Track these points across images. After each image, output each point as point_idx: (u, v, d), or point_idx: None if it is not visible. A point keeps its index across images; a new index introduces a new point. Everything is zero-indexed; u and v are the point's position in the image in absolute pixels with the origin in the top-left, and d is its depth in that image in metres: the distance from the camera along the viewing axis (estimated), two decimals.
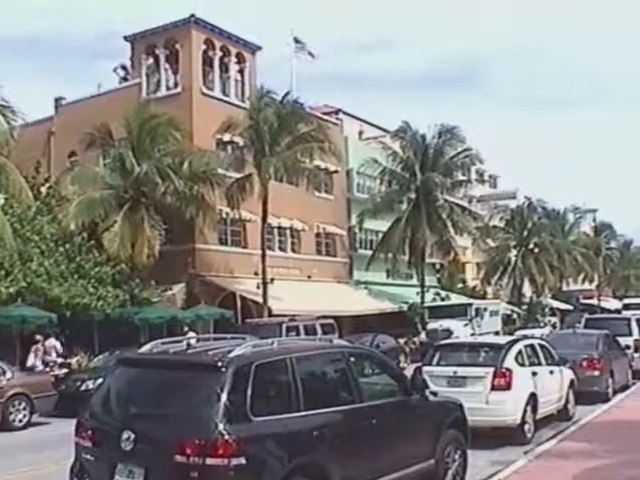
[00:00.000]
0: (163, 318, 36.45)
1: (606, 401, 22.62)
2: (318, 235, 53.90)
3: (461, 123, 58.17)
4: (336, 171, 53.64)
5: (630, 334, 30.63)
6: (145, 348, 10.88)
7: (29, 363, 29.06)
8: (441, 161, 55.09)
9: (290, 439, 9.02)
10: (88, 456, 9.44)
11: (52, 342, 30.50)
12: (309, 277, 50.89)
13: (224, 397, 8.48)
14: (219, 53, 46.47)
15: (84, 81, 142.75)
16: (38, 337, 30.01)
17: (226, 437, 8.25)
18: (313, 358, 10.37)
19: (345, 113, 61.80)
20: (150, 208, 38.13)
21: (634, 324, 31.86)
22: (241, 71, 48.37)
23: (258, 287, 41.35)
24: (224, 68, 47.40)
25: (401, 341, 43.30)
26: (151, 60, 46.97)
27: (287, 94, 42.63)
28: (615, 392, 24.30)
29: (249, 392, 8.67)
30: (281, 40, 72.48)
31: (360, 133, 64.12)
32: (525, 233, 74.53)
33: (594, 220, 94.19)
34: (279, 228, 49.34)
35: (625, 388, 25.86)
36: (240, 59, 48.07)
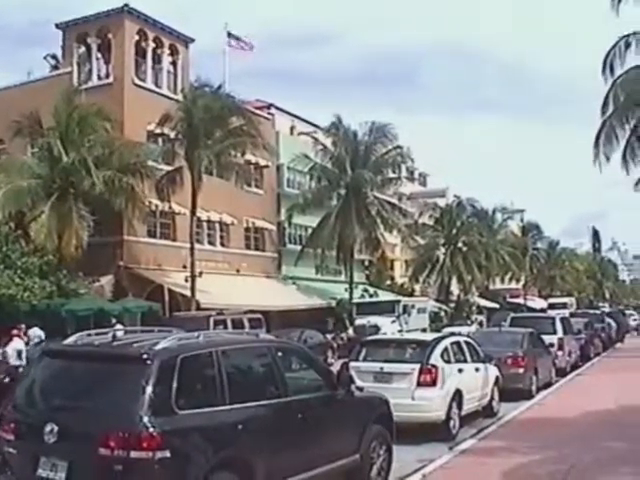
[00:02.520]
0: (90, 310, 36.03)
1: (530, 398, 22.87)
2: (247, 229, 53.81)
3: (393, 120, 58.36)
4: (267, 166, 53.64)
5: (554, 333, 31.03)
6: (70, 340, 10.73)
7: None
8: (372, 158, 55.38)
9: (215, 433, 8.98)
10: (10, 449, 9.25)
11: None
12: (238, 271, 50.79)
13: (149, 390, 8.41)
14: (152, 44, 46.13)
15: (14, 68, 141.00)
16: None
17: (150, 430, 8.18)
18: (239, 352, 10.36)
19: (277, 108, 61.69)
20: (78, 199, 37.66)
21: (558, 323, 32.31)
22: (174, 63, 48.06)
23: (186, 280, 41.16)
24: (157, 59, 47.05)
25: (329, 337, 43.40)
26: (83, 49, 46.41)
27: (219, 87, 42.52)
28: (539, 389, 24.60)
29: (174, 385, 8.61)
30: (214, 33, 72.02)
31: (292, 128, 64.07)
32: (454, 231, 75.05)
33: (522, 220, 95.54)
34: (208, 222, 49.16)
35: (548, 385, 26.18)
36: (173, 51, 47.77)
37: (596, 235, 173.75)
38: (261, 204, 54.55)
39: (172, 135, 42.19)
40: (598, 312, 57.22)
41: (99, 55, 46.25)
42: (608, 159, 45.48)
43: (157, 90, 45.91)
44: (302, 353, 12.24)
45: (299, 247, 56.68)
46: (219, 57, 53.96)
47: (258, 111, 53.19)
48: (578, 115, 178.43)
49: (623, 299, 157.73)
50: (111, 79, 44.68)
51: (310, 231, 56.56)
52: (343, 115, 55.90)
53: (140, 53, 45.65)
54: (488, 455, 14.11)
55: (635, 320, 74.99)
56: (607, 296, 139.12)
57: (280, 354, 10.84)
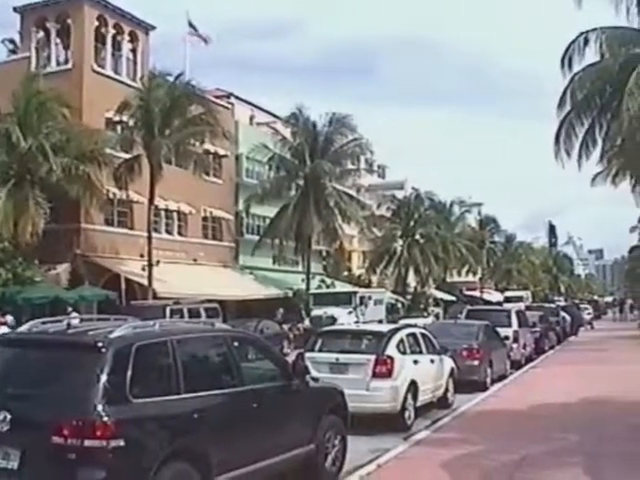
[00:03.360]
0: (46, 298, 35.84)
1: (484, 390, 23.04)
2: (205, 219, 53.67)
3: (353, 112, 58.35)
4: (226, 155, 53.59)
5: (510, 325, 31.25)
6: (24, 327, 10.66)
7: None
8: (331, 149, 55.47)
9: (170, 422, 8.95)
10: None
11: None
12: (195, 260, 50.66)
13: (103, 378, 8.35)
14: (112, 31, 45.81)
15: None
16: None
17: (105, 419, 8.12)
18: (195, 341, 10.32)
19: (237, 97, 61.53)
20: (35, 185, 37.40)
21: (514, 316, 32.54)
22: (134, 50, 47.77)
23: (143, 269, 41.05)
24: (117, 46, 46.70)
25: (285, 327, 43.43)
26: (41, 34, 45.96)
27: (179, 76, 42.33)
28: (493, 381, 24.77)
29: (129, 373, 8.56)
30: (176, 22, 71.70)
31: (251, 118, 63.97)
32: (411, 224, 75.29)
33: (479, 214, 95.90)
34: (166, 210, 48.99)
35: (503, 378, 26.40)
36: (133, 38, 47.47)
37: (552, 230, 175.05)
38: (219, 194, 54.41)
39: (131, 123, 41.96)
40: (553, 306, 57.66)
41: (58, 40, 45.78)
42: (569, 156, 45.85)
43: (116, 77, 45.61)
44: (258, 343, 12.26)
45: (257, 237, 56.68)
46: (180, 46, 53.83)
47: (217, 100, 53.01)
48: (538, 110, 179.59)
49: (578, 293, 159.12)
50: (70, 65, 44.28)
51: (268, 221, 56.58)
52: (302, 106, 55.91)
53: (100, 39, 45.27)
54: (442, 446, 14.20)
55: (589, 314, 75.68)
56: (562, 290, 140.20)
57: (236, 344, 10.82)
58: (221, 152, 52.08)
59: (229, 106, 57.01)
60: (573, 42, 45.27)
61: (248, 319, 38.26)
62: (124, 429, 8.25)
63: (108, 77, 44.94)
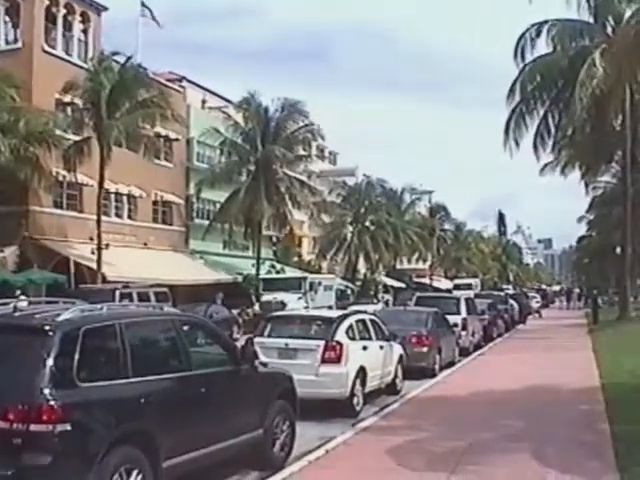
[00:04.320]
0: None
1: (433, 377, 23.15)
2: (155, 203, 53.39)
3: (305, 98, 58.56)
4: (177, 139, 53.30)
5: (459, 313, 31.48)
6: None
7: None
8: (282, 135, 55.53)
9: (117, 406, 8.86)
10: None
11: None
12: (145, 244, 50.44)
13: (50, 362, 8.24)
14: (63, 10, 45.20)
15: None
16: None
17: (51, 403, 8.02)
18: (143, 325, 10.24)
19: (189, 81, 61.26)
20: None
21: (463, 303, 32.77)
22: (85, 31, 47.21)
23: (93, 253, 40.74)
24: (68, 27, 46.07)
25: (235, 312, 43.37)
26: None
27: (129, 58, 41.87)
28: (442, 368, 24.92)
29: (76, 357, 8.45)
30: (129, 3, 71.10)
31: (203, 102, 63.71)
32: (362, 210, 75.66)
33: (429, 202, 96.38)
34: (116, 194, 48.67)
35: (451, 364, 26.58)
36: (85, 18, 46.90)
37: (502, 218, 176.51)
38: (170, 178, 54.13)
39: (81, 104, 41.54)
40: (502, 294, 58.04)
41: (7, 19, 45.02)
42: (518, 145, 46.38)
43: (67, 58, 45.02)
44: (207, 327, 12.19)
45: (207, 222, 56.62)
46: (133, 28, 53.42)
47: (169, 83, 52.73)
48: (491, 99, 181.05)
49: (526, 282, 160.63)
50: (20, 44, 43.61)
51: (219, 206, 56.53)
52: (256, 90, 55.83)
53: (50, 19, 44.62)
54: (390, 432, 14.26)
55: (537, 302, 76.36)
56: (511, 278, 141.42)
57: (185, 328, 10.77)
58: (172, 136, 51.77)
59: (181, 90, 56.71)
60: (524, 33, 45.90)
61: (198, 303, 38.13)
62: (71, 413, 8.16)
63: (59, 58, 44.33)
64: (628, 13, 39.54)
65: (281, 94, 63.90)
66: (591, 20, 46.27)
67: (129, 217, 50.76)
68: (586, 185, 62.66)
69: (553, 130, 47.52)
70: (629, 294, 48.59)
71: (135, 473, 8.76)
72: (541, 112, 46.40)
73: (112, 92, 40.07)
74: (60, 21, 45.23)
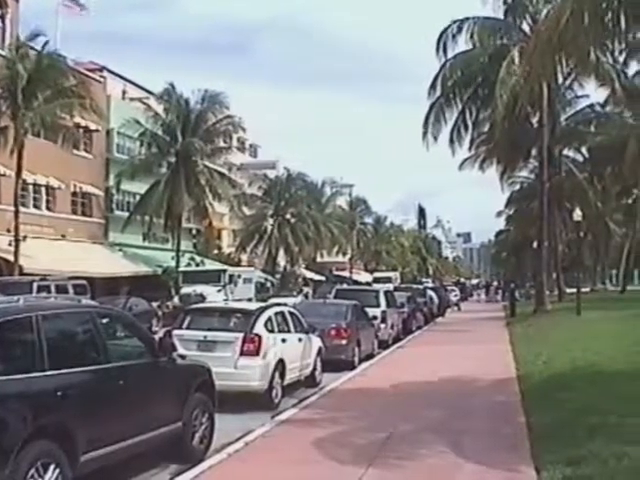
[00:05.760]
0: None
1: (352, 369, 23.23)
2: (74, 194, 52.75)
3: (227, 90, 58.45)
4: (97, 130, 52.64)
5: (378, 306, 31.68)
6: None
7: None
8: (203, 127, 55.45)
9: (33, 399, 8.74)
10: None
11: None
12: (63, 236, 49.83)
13: None
14: None
15: None
16: None
17: None
18: (60, 317, 10.10)
19: (110, 71, 60.63)
20: None
21: (382, 296, 32.98)
22: (2, 17, 46.37)
23: (10, 244, 40.09)
24: None
25: (154, 305, 43.10)
26: None
27: (46, 43, 41.08)
28: (361, 361, 25.04)
29: None
30: None
31: (124, 93, 63.12)
32: (282, 203, 75.74)
33: (350, 195, 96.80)
34: (34, 185, 47.95)
35: (370, 357, 26.73)
36: (2, 4, 46.01)
37: (422, 212, 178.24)
38: (89, 169, 53.54)
39: None
40: (421, 287, 58.57)
41: None
42: (436, 139, 46.86)
43: None
44: (124, 320, 12.08)
45: (127, 214, 56.16)
46: (53, 16, 52.68)
47: (90, 73, 52.06)
48: (414, 94, 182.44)
49: (446, 275, 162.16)
50: None
51: (138, 198, 56.09)
52: (177, 82, 55.75)
53: None
54: (309, 424, 14.31)
55: (456, 295, 77.18)
56: (431, 272, 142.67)
57: (102, 320, 10.66)
58: (92, 126, 51.11)
59: (101, 80, 56.06)
60: (446, 30, 46.37)
61: (117, 296, 37.84)
62: None
63: None
64: (544, 12, 40.11)
65: (203, 86, 63.63)
66: (511, 19, 46.95)
67: (47, 208, 50.08)
68: (501, 178, 63.42)
69: (470, 125, 48.13)
70: (545, 287, 49.34)
71: (52, 468, 8.65)
72: (460, 107, 46.94)
73: (29, 80, 39.37)
74: None
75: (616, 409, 13.62)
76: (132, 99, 62.85)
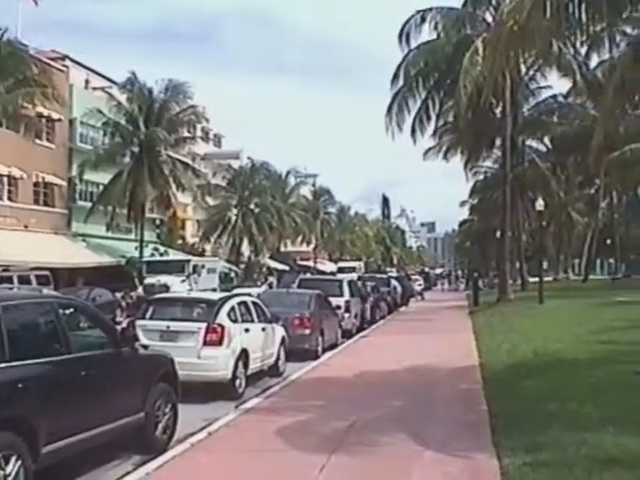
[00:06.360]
0: None
1: (315, 359, 23.31)
2: (37, 184, 52.34)
3: (191, 80, 58.10)
4: (59, 119, 52.19)
5: (342, 295, 31.77)
6: None
7: None
8: (166, 116, 55.22)
9: None
10: None
11: None
12: (26, 227, 49.47)
13: None
14: None
15: None
16: None
17: None
18: (21, 308, 10.03)
19: (72, 60, 60.11)
20: None
21: (345, 286, 33.06)
22: None
23: None
24: None
25: (118, 295, 42.92)
26: None
27: (5, 31, 40.61)
28: (324, 350, 25.08)
29: None
30: None
31: (87, 82, 62.60)
32: (247, 193, 75.71)
33: (314, 185, 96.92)
34: None
35: (334, 346, 26.78)
36: None
37: (386, 202, 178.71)
38: (52, 159, 53.14)
39: None
40: (385, 277, 58.69)
41: None
42: (400, 129, 46.97)
43: None
44: (86, 310, 12.01)
45: (90, 204, 55.78)
46: (13, 5, 52.31)
47: (52, 62, 51.64)
48: (379, 84, 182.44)
49: (410, 264, 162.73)
50: None
51: (102, 188, 55.75)
52: (141, 72, 55.48)
53: None
54: (273, 413, 14.34)
55: (420, 285, 77.38)
56: (395, 261, 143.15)
57: (64, 311, 10.61)
58: (54, 116, 50.70)
59: (64, 69, 55.60)
60: (410, 19, 46.46)
61: (80, 287, 37.66)
62: None
63: None
64: (507, 2, 40.32)
65: (167, 76, 63.42)
66: (474, 9, 47.17)
67: (9, 199, 49.68)
68: (465, 167, 63.76)
69: (434, 115, 48.31)
70: (508, 277, 49.65)
71: (14, 460, 8.62)
72: (423, 96, 47.08)
73: None
74: None
75: (576, 396, 13.82)
76: (95, 88, 62.33)
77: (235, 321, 17.65)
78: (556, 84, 56.21)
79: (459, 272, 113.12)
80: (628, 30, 33.00)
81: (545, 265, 69.11)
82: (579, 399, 13.53)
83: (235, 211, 75.05)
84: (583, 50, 44.39)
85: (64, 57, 58.72)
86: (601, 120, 22.58)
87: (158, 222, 64.51)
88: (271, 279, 70.67)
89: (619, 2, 18.20)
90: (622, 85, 19.48)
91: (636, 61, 18.55)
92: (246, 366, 17.61)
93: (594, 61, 47.97)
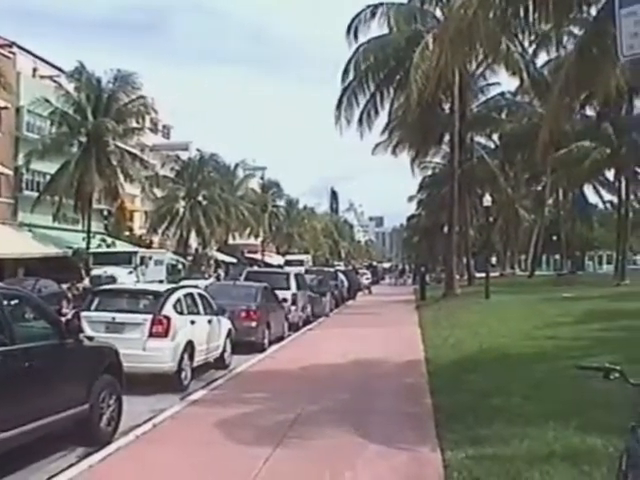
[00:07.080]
0: None
1: (262, 351, 23.33)
2: None
3: (139, 70, 57.93)
4: (6, 107, 51.67)
5: (289, 288, 31.88)
6: None
7: None
8: (115, 106, 54.88)
9: None
10: None
11: None
12: None
13: None
14: None
15: None
16: None
17: None
18: None
19: (20, 47, 59.46)
20: None
21: (293, 279, 33.18)
22: None
23: None
24: None
25: (64, 286, 42.60)
26: None
27: None
28: (271, 343, 25.15)
29: None
30: None
31: (34, 70, 62.02)
32: (195, 185, 75.56)
33: (262, 178, 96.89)
34: None
35: (281, 339, 26.86)
36: None
37: (334, 196, 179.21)
38: None
39: None
40: (332, 270, 58.82)
41: None
42: (349, 123, 47.04)
43: None
44: (30, 301, 11.92)
45: (37, 194, 55.28)
46: None
47: None
48: (331, 78, 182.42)
49: (358, 258, 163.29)
50: None
51: (49, 178, 55.28)
52: (88, 61, 55.09)
53: None
54: (219, 406, 14.35)
55: (367, 279, 77.66)
56: (343, 255, 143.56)
57: (8, 302, 10.53)
58: (1, 104, 50.22)
59: (11, 56, 54.99)
60: (360, 14, 46.52)
61: (26, 277, 37.33)
62: None
63: None
64: None
65: (116, 65, 63.01)
66: (424, 5, 47.41)
67: None
68: (413, 163, 64.14)
69: (383, 110, 48.47)
70: (455, 272, 50.03)
71: None
72: (372, 90, 47.20)
73: None
74: None
75: (520, 391, 14.01)
76: (43, 77, 61.80)
77: (181, 313, 17.62)
78: (506, 82, 56.83)
79: (407, 267, 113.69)
80: (575, 31, 33.48)
81: (492, 261, 69.66)
82: (523, 393, 13.72)
83: (183, 203, 74.86)
84: (531, 49, 44.88)
85: (11, 44, 58.03)
86: (547, 118, 22.78)
87: (106, 213, 64.06)
88: (219, 271, 70.66)
89: (565, 3, 18.42)
90: (567, 84, 19.68)
91: (581, 61, 18.74)
92: (192, 358, 17.57)
93: (542, 60, 48.50)
